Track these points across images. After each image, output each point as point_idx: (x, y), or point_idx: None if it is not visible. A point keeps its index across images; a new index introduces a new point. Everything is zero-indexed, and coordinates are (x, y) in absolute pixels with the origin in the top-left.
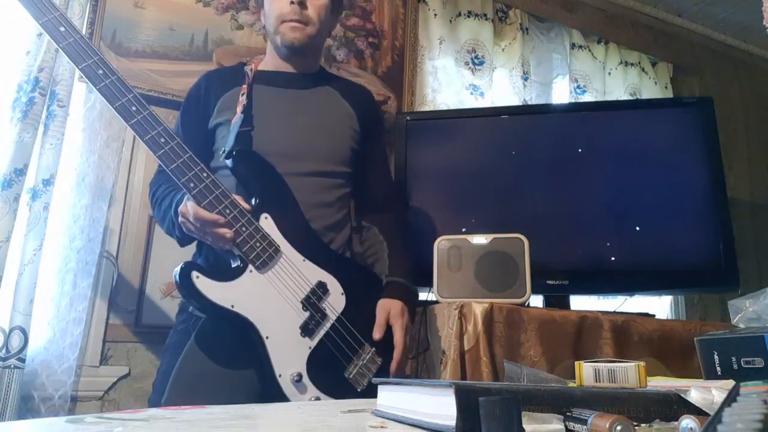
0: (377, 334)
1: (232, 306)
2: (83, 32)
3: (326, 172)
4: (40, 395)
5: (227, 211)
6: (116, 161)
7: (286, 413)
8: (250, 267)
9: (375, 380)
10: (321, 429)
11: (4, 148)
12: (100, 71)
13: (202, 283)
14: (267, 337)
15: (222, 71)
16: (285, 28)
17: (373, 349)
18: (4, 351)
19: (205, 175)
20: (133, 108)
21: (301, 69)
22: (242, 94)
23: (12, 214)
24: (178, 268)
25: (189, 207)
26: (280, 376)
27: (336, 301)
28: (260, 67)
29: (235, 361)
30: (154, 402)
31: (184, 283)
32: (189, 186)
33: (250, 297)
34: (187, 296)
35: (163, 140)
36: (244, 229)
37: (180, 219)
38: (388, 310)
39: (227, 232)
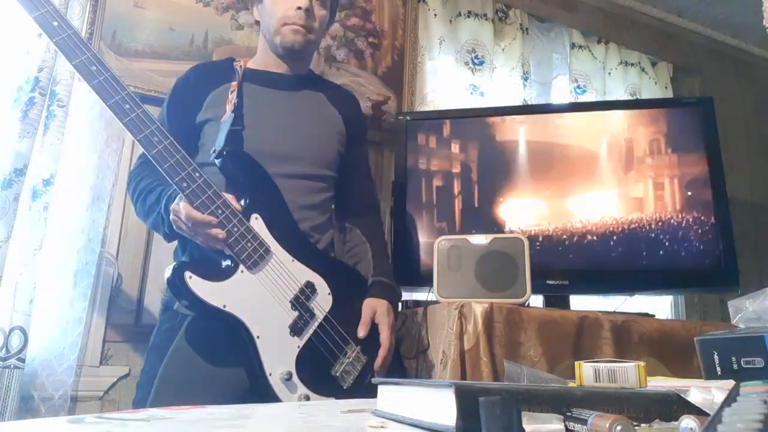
0: (362, 332)
1: (224, 306)
2: (83, 32)
3: (313, 175)
4: (40, 395)
5: (219, 212)
6: (116, 161)
7: (286, 413)
8: (242, 267)
9: (375, 380)
10: (321, 429)
11: (4, 148)
12: (94, 68)
13: (194, 283)
14: (258, 337)
15: (211, 66)
16: (287, 30)
17: (359, 347)
18: (4, 351)
19: (197, 174)
20: (127, 106)
21: (292, 70)
22: (231, 92)
23: (12, 214)
24: (170, 268)
25: (181, 207)
26: (270, 375)
27: (323, 301)
28: (249, 65)
29: (224, 359)
30: (140, 403)
31: (177, 283)
32: (182, 186)
33: (242, 297)
34: (180, 296)
35: (156, 139)
36: (235, 229)
37: (171, 217)
38: (374, 308)
39: (219, 233)
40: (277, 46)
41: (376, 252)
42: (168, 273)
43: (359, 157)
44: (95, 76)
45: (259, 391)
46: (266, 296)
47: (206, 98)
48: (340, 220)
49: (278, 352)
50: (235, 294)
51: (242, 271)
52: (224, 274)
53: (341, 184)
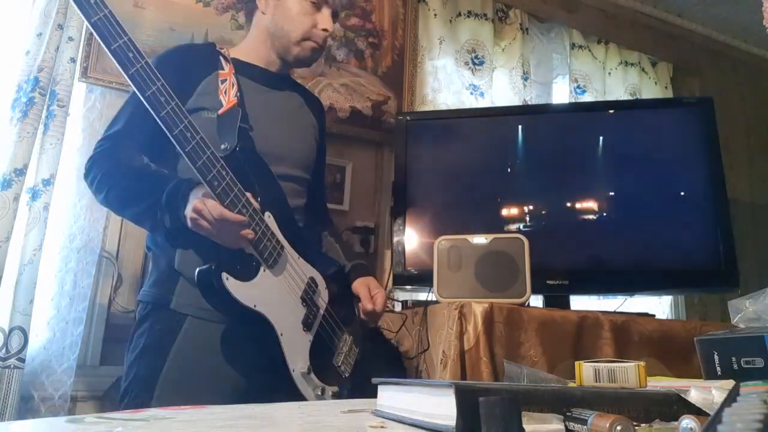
0: (370, 305)
1: (255, 306)
2: (83, 33)
3: (298, 178)
4: (40, 395)
5: (245, 210)
6: None
7: (286, 413)
8: (263, 266)
9: (375, 380)
10: (321, 429)
11: (4, 148)
12: (131, 54)
13: (232, 284)
14: (281, 334)
15: (195, 50)
16: (308, 46)
17: (351, 337)
18: (4, 351)
19: (225, 172)
20: (163, 98)
21: (280, 71)
22: (222, 81)
23: (12, 214)
24: (204, 269)
25: (209, 205)
26: (293, 371)
27: (324, 295)
28: (235, 55)
29: (253, 362)
30: (128, 406)
31: (216, 284)
32: (213, 184)
33: (266, 295)
34: (214, 297)
35: (189, 134)
36: (257, 228)
37: (191, 215)
38: (368, 284)
39: (250, 233)
40: (289, 54)
41: (342, 247)
42: (202, 274)
43: (323, 164)
44: (133, 63)
45: (279, 387)
46: (283, 293)
47: (198, 85)
48: (312, 226)
49: (296, 348)
50: (262, 293)
51: (264, 270)
52: (250, 274)
53: (312, 190)
